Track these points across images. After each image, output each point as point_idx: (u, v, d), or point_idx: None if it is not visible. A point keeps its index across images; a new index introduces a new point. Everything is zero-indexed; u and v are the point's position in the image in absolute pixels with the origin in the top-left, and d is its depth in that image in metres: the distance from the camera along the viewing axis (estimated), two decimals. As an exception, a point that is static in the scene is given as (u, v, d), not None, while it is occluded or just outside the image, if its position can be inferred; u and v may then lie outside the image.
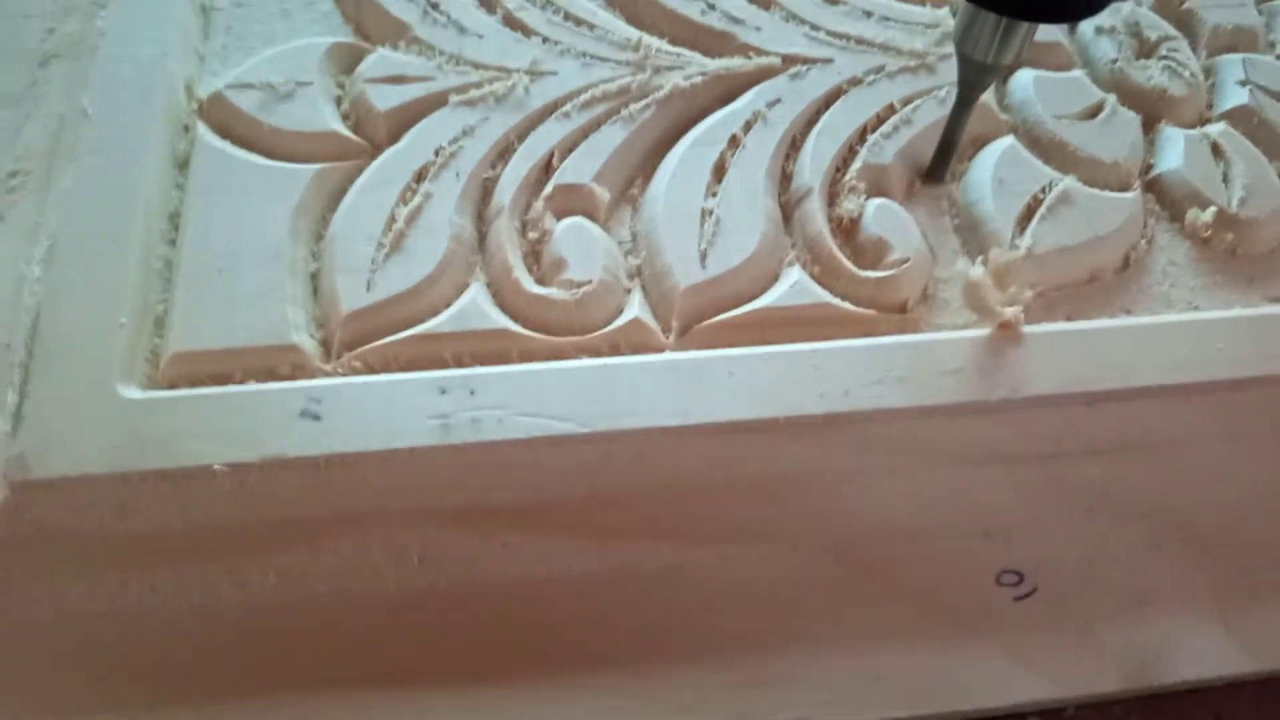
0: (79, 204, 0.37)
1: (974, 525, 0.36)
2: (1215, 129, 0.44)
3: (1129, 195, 0.41)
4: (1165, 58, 0.45)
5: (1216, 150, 0.43)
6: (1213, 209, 0.41)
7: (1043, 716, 0.34)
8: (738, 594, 0.35)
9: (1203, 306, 0.39)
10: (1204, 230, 0.41)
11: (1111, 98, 0.44)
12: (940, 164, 0.41)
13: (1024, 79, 0.44)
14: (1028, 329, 0.36)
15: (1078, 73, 0.45)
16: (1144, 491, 0.36)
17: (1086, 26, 0.47)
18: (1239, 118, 0.44)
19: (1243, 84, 0.45)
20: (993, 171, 0.41)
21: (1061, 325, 0.37)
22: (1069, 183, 0.41)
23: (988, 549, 0.36)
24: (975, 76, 0.37)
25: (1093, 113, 0.43)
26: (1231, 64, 0.46)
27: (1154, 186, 0.42)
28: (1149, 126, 0.44)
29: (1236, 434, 0.36)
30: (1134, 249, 0.40)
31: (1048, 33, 0.45)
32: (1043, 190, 0.40)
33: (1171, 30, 0.47)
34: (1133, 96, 0.44)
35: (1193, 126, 0.44)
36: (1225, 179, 0.42)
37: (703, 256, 0.38)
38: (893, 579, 0.35)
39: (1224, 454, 0.37)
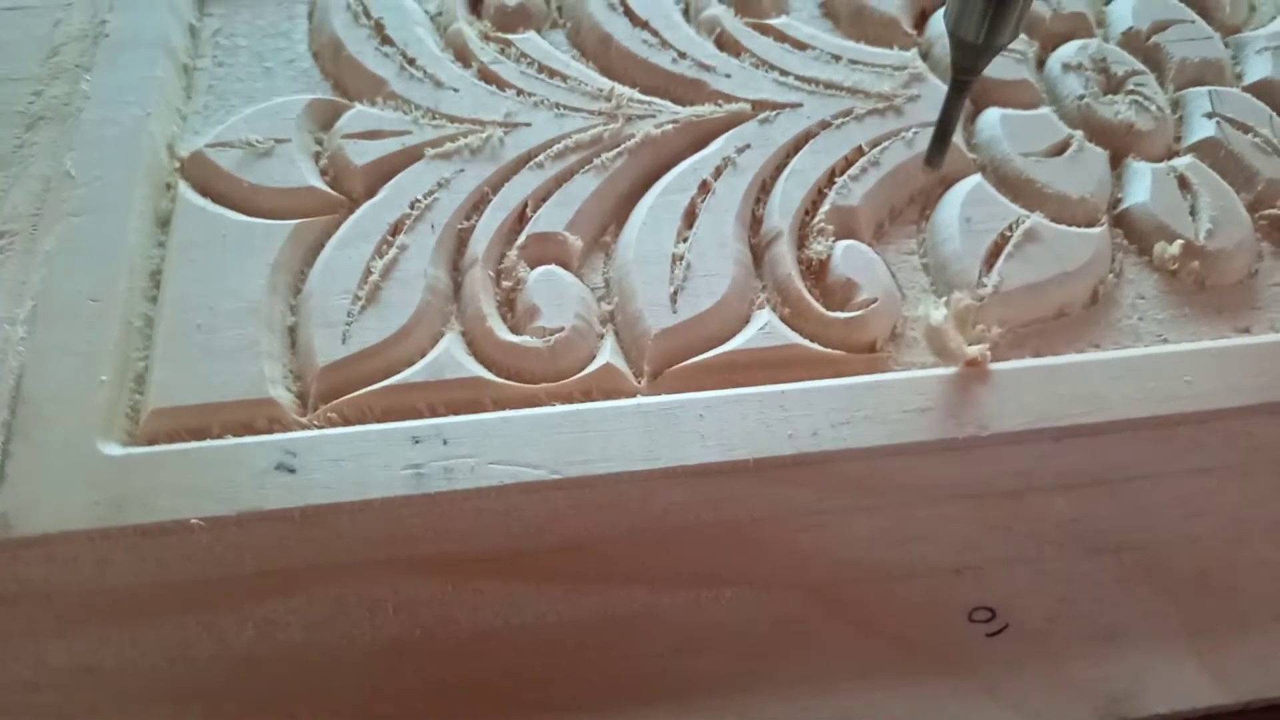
0: (63, 264, 0.38)
1: (945, 563, 0.36)
2: (1182, 162, 0.44)
3: (1096, 230, 0.42)
4: (1132, 92, 0.46)
5: (1183, 183, 0.43)
6: (1180, 241, 0.41)
7: (1018, 752, 0.34)
8: (710, 637, 0.35)
9: (1171, 339, 0.40)
10: (1171, 263, 0.41)
11: (1079, 134, 0.44)
12: (937, 150, 0.38)
13: (991, 118, 0.45)
14: (996, 366, 0.37)
15: (1045, 110, 0.46)
16: (1113, 526, 0.37)
17: (1054, 63, 0.47)
18: (1206, 150, 0.45)
19: (1209, 116, 0.46)
20: (960, 210, 0.41)
21: (1029, 361, 0.38)
22: (1036, 220, 0.41)
23: (959, 586, 0.36)
24: (969, 60, 0.35)
25: (1060, 149, 0.44)
26: (1198, 97, 0.47)
27: (1122, 221, 0.43)
28: (1116, 161, 0.44)
29: (1205, 467, 0.37)
30: (1102, 283, 0.41)
31: (1014, 70, 0.46)
32: (1010, 228, 0.41)
33: (1138, 65, 0.47)
34: (1100, 132, 0.45)
35: (1161, 160, 0.45)
36: (1192, 211, 0.42)
37: (674, 301, 0.38)
38: (864, 618, 0.35)
39: (1193, 487, 0.37)
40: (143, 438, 0.35)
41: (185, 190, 0.41)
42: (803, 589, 0.36)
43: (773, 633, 0.35)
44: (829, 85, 0.45)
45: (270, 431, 0.35)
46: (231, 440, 0.34)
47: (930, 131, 0.38)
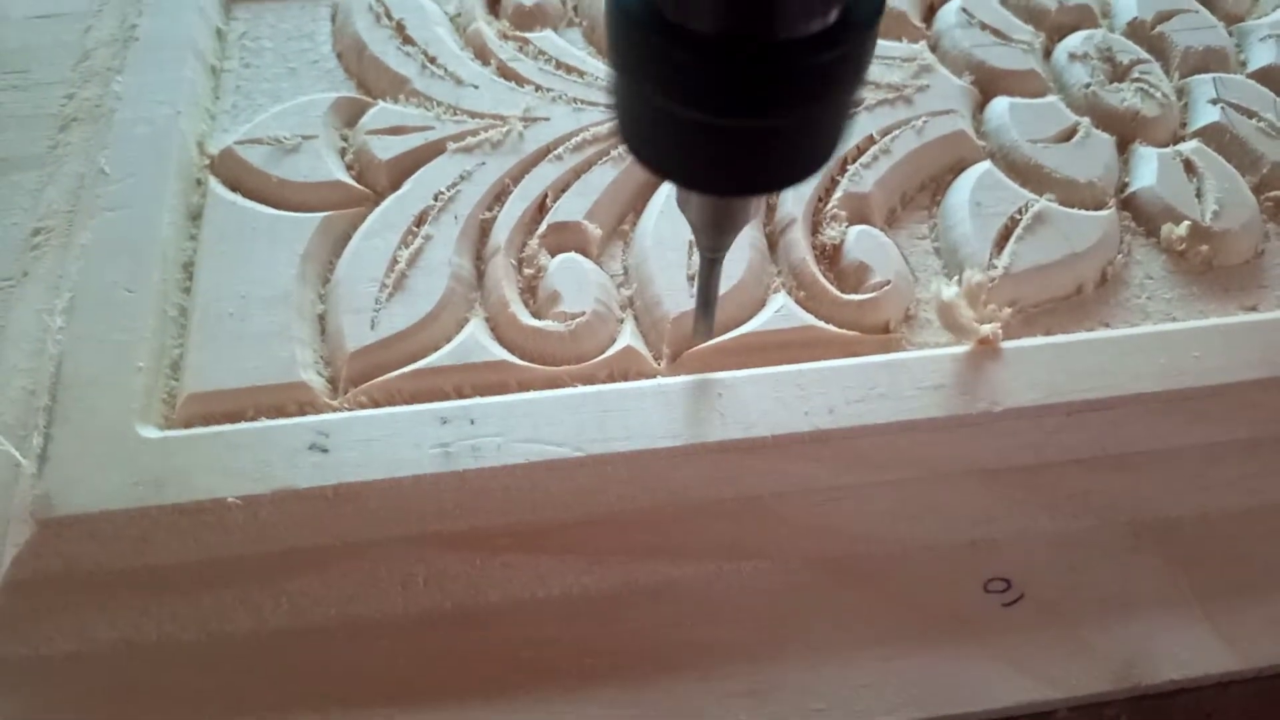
0: (98, 257, 0.39)
1: (960, 535, 0.37)
2: (1188, 146, 0.45)
3: (1104, 213, 0.42)
4: (1138, 80, 0.47)
5: (1189, 167, 0.44)
6: (1186, 223, 0.42)
7: (1035, 719, 0.35)
8: (731, 608, 0.36)
9: (1180, 317, 0.40)
10: (1179, 244, 0.42)
11: (1086, 121, 0.45)
12: (701, 322, 0.36)
13: (999, 106, 0.46)
14: (1007, 344, 0.37)
15: (1052, 98, 0.47)
16: (1125, 498, 0.37)
17: (1060, 53, 0.48)
18: (1211, 135, 0.46)
19: (1214, 102, 0.46)
20: (970, 195, 0.42)
21: (1040, 339, 0.38)
22: (1045, 203, 0.42)
23: (974, 557, 0.37)
24: (710, 241, 0.32)
25: (1067, 135, 0.45)
26: (1203, 83, 0.47)
27: (1129, 204, 0.44)
28: (1123, 147, 0.45)
29: (1214, 440, 0.37)
30: (1111, 264, 0.42)
31: (1021, 60, 0.47)
32: (1020, 211, 0.42)
33: (1143, 54, 0.48)
34: (1107, 119, 0.46)
35: (1167, 145, 0.45)
36: (1198, 194, 0.43)
37: (691, 285, 0.39)
38: (883, 589, 0.36)
39: (1202, 459, 0.38)
40: (179, 421, 0.36)
41: (216, 185, 0.42)
42: (821, 562, 0.37)
43: (792, 604, 0.36)
44: (840, 77, 0.45)
45: (302, 414, 0.36)
46: (265, 422, 0.35)
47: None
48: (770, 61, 0.23)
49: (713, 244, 0.32)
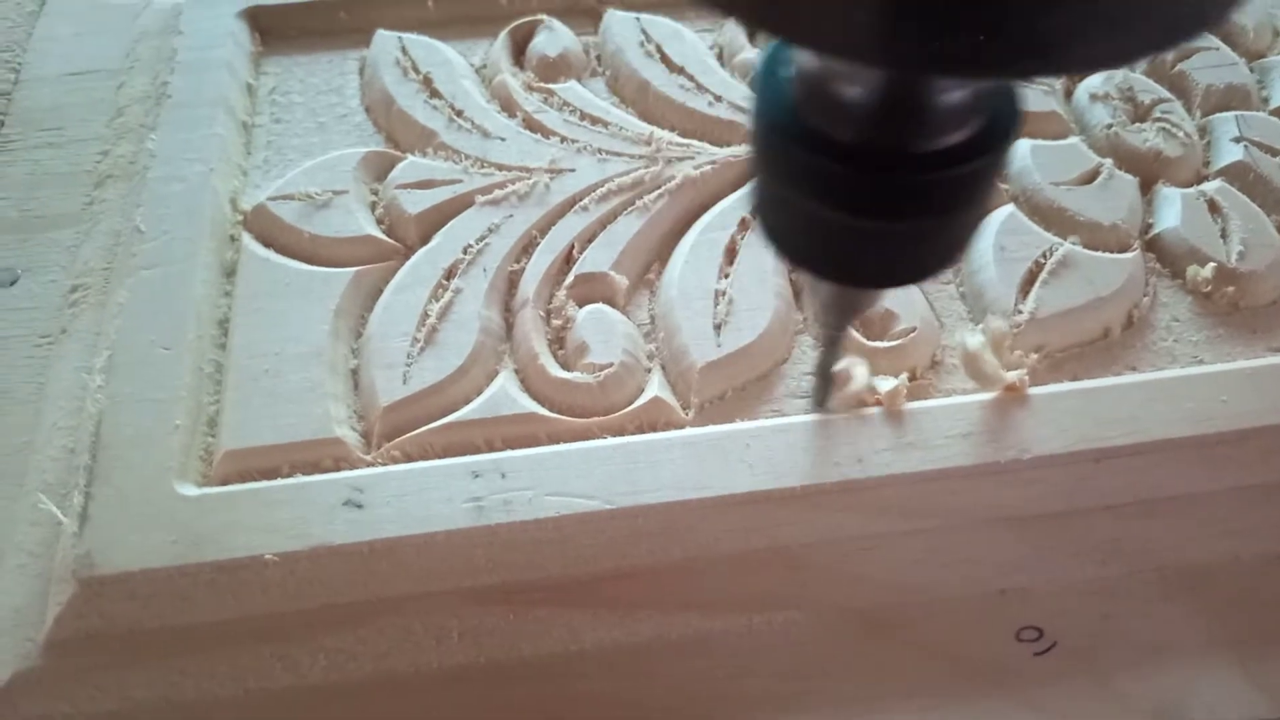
0: (135, 315, 0.40)
1: (990, 584, 0.37)
2: (1211, 186, 0.45)
3: (1129, 256, 0.42)
4: (1160, 120, 0.47)
5: (1214, 207, 0.44)
6: (1212, 264, 0.42)
7: (1068, 768, 0.35)
8: (763, 659, 0.36)
9: (1207, 360, 0.40)
10: (1204, 285, 0.42)
11: (1108, 162, 0.45)
12: (820, 392, 0.37)
13: (1021, 149, 0.46)
14: (1034, 390, 0.37)
15: (1074, 139, 0.47)
16: (1156, 545, 0.37)
17: (1081, 93, 0.49)
18: (1235, 174, 0.46)
19: (1237, 140, 0.47)
20: (994, 240, 0.42)
21: (1067, 385, 0.38)
22: (1069, 247, 0.42)
23: (1005, 606, 0.37)
24: (833, 321, 0.33)
25: (1090, 177, 0.45)
26: (1225, 122, 0.48)
27: (1154, 246, 0.44)
28: (1146, 188, 0.45)
29: (1243, 484, 0.37)
30: (1137, 307, 0.42)
31: (1042, 102, 0.47)
32: (1044, 255, 0.42)
33: (1165, 93, 0.48)
34: (1129, 159, 0.46)
35: (1190, 185, 0.46)
36: (1223, 234, 0.43)
37: (718, 335, 0.40)
38: (914, 639, 0.36)
39: (1232, 505, 0.37)
40: (216, 478, 0.36)
41: (249, 242, 0.43)
42: (851, 611, 0.37)
43: (823, 655, 0.36)
44: (862, 123, 0.46)
45: (337, 470, 0.36)
46: (301, 479, 0.36)
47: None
48: (908, 173, 0.23)
49: (836, 324, 0.33)
